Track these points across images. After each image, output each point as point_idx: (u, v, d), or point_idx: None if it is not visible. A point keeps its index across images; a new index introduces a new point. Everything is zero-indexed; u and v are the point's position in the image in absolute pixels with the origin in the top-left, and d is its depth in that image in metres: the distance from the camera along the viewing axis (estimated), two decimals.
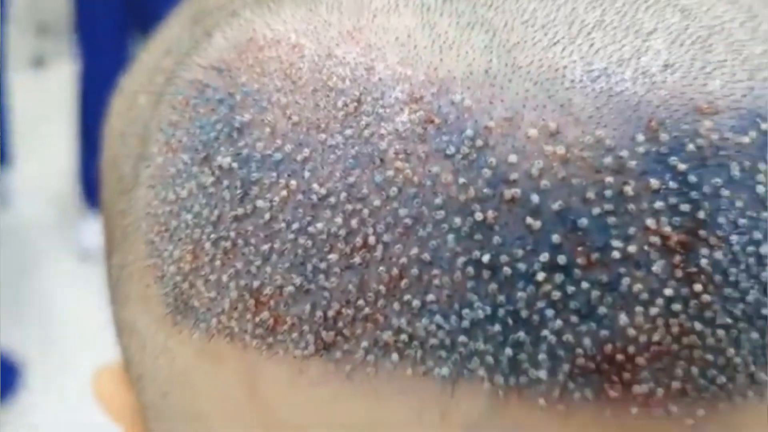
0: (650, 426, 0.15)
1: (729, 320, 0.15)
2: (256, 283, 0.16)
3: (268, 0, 0.19)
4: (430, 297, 0.15)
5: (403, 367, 0.15)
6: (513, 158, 0.15)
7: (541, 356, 0.15)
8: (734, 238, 0.15)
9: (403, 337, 0.15)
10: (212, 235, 0.17)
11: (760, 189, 0.16)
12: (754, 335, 0.15)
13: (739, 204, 0.16)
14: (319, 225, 0.16)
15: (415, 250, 0.15)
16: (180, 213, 0.17)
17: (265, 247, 0.16)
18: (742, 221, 0.15)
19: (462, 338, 0.15)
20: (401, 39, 0.16)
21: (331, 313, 0.16)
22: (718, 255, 0.15)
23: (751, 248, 0.15)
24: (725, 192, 0.16)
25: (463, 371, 0.15)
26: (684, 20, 0.17)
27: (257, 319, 0.16)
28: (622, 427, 0.15)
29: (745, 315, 0.15)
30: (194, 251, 0.17)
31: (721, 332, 0.15)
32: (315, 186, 0.16)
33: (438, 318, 0.15)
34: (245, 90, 0.17)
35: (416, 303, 0.15)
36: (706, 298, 0.15)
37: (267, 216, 0.16)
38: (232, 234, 0.17)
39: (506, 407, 0.15)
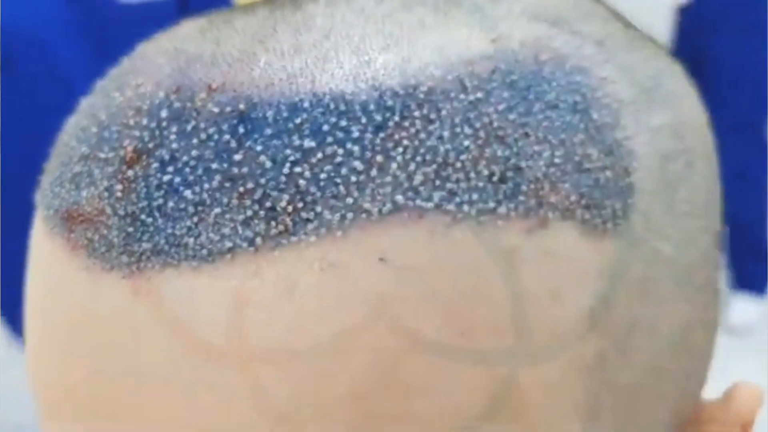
0: (85, 267, 0.20)
1: (134, 211, 0.20)
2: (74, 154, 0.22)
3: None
4: (83, 170, 0.21)
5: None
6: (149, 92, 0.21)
7: (62, 192, 0.21)
8: (170, 168, 0.20)
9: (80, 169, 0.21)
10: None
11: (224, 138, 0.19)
12: (171, 224, 0.19)
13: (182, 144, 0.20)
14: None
15: (105, 134, 0.21)
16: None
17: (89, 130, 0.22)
18: (179, 157, 0.20)
19: (77, 168, 0.21)
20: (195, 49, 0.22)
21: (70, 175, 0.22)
22: (137, 172, 0.20)
23: (167, 177, 0.20)
24: (198, 137, 0.20)
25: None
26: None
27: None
28: (68, 264, 0.21)
29: (159, 213, 0.19)
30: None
31: (128, 219, 0.20)
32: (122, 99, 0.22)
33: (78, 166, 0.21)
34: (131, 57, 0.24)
35: (77, 170, 0.21)
36: (132, 198, 0.20)
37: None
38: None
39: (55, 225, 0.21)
